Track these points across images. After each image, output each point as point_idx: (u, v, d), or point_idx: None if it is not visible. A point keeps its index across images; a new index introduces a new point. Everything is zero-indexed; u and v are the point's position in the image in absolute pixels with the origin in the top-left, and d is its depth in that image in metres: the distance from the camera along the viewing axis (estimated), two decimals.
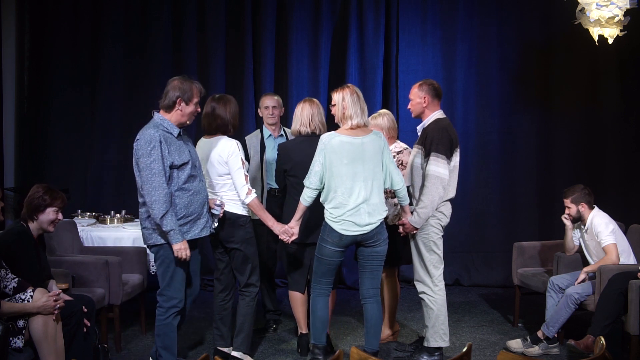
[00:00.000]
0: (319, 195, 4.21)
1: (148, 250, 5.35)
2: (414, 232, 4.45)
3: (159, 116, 4.00)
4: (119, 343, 4.89)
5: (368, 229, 4.13)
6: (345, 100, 4.18)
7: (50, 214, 4.01)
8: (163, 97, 3.99)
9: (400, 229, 4.51)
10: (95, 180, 6.81)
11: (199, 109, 4.12)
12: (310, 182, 4.15)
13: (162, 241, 3.96)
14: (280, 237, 4.36)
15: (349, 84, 4.31)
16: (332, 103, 4.27)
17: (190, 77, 4.06)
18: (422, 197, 4.36)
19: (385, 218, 4.74)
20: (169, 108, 3.97)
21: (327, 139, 4.14)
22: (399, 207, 4.52)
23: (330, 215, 4.14)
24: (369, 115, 5.12)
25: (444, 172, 4.33)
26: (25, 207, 4.01)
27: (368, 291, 4.28)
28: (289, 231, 4.32)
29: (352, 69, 6.90)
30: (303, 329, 4.76)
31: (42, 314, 3.65)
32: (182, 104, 3.96)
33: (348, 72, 6.89)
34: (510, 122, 7.07)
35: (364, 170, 4.12)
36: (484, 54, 7.04)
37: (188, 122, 4.06)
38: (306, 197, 4.19)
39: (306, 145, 4.44)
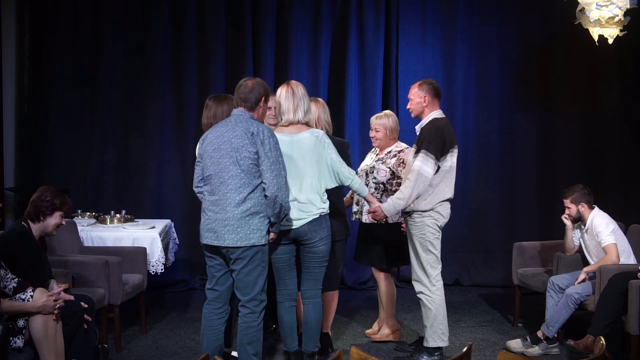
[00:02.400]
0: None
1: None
2: (383, 219, 4.49)
3: (249, 114, 3.90)
4: (119, 343, 4.89)
5: (298, 224, 4.12)
6: (280, 96, 4.19)
7: (57, 218, 4.02)
8: (241, 100, 3.90)
9: (370, 217, 4.54)
10: (95, 180, 6.80)
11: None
12: None
13: (263, 241, 3.84)
14: None
15: (291, 81, 4.28)
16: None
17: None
18: (401, 189, 4.38)
19: (386, 218, 4.76)
20: (254, 106, 3.91)
21: None
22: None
23: None
24: (369, 115, 5.14)
25: (428, 171, 4.33)
26: (31, 208, 4.00)
27: (306, 292, 4.29)
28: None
29: (352, 69, 6.90)
30: None
31: (42, 314, 3.65)
32: (264, 103, 3.95)
33: (348, 72, 6.88)
34: (510, 122, 7.07)
35: (295, 168, 4.11)
36: (484, 54, 7.04)
37: (263, 121, 4.03)
38: None
39: None
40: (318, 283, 4.29)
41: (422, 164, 4.33)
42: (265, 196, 3.82)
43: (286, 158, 4.02)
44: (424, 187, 4.35)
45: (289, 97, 4.16)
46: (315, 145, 4.14)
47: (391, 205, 4.39)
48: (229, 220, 3.78)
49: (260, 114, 3.97)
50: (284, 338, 4.32)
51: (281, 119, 4.19)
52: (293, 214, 4.09)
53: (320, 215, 4.15)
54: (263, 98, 3.92)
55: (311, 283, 4.28)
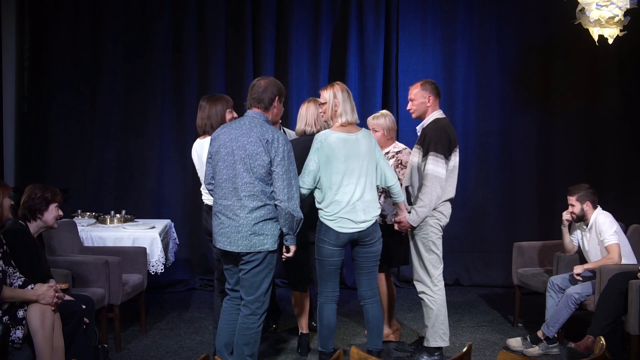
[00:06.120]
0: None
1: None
2: (409, 229, 4.46)
3: (264, 116, 3.89)
4: (119, 343, 4.89)
5: (364, 226, 4.14)
6: (336, 97, 4.20)
7: (53, 210, 4.07)
8: (255, 100, 3.89)
9: (396, 226, 4.52)
10: (95, 180, 6.80)
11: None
12: (304, 182, 4.13)
13: (276, 247, 3.87)
14: None
15: (338, 82, 4.33)
16: (322, 101, 4.28)
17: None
18: (420, 196, 4.37)
19: (385, 217, 4.76)
20: (269, 106, 3.90)
21: (323, 137, 4.14)
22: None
23: (326, 214, 4.13)
24: (369, 115, 5.14)
25: (442, 172, 4.34)
26: (24, 209, 4.02)
27: (367, 292, 4.29)
28: None
29: (352, 69, 6.90)
30: (304, 329, 4.76)
31: (41, 303, 3.66)
32: (278, 102, 3.95)
33: (348, 72, 6.88)
34: (510, 122, 7.07)
35: (359, 167, 4.14)
36: (484, 54, 7.04)
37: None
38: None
39: (311, 144, 4.43)
40: (375, 281, 4.33)
41: (434, 166, 4.34)
42: (276, 205, 3.82)
43: (352, 157, 4.11)
44: (441, 189, 4.37)
45: (345, 98, 4.21)
46: (372, 143, 4.22)
47: (415, 215, 4.40)
48: (242, 227, 3.80)
49: (275, 114, 3.99)
50: (324, 340, 4.28)
51: (338, 121, 4.19)
52: (358, 216, 4.12)
53: (377, 216, 4.23)
54: (277, 97, 3.92)
55: (371, 282, 4.30)
